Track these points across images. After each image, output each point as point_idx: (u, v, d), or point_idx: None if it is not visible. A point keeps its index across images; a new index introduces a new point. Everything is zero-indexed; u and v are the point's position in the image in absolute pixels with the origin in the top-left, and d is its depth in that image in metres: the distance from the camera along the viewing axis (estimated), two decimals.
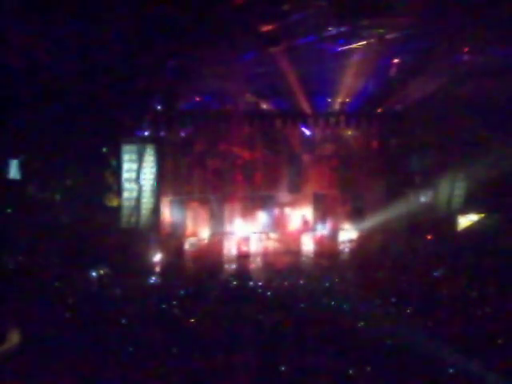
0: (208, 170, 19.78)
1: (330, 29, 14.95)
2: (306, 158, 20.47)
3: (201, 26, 13.73)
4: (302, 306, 14.18)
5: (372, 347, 11.54)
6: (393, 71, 18.22)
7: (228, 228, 19.79)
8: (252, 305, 14.07)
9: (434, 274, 17.30)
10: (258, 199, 20.25)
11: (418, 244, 19.44)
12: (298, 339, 11.91)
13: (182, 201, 19.46)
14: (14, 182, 17.96)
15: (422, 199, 20.43)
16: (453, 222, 20.38)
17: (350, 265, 19.20)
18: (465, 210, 20.41)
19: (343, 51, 17.03)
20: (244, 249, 19.64)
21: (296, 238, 20.13)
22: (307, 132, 20.25)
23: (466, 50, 17.08)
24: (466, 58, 17.46)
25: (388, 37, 15.68)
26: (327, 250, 19.95)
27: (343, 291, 15.64)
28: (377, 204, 20.01)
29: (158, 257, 18.49)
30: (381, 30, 15.28)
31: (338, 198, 20.61)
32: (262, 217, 20.18)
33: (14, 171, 17.96)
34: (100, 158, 18.41)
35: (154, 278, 17.09)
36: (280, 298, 14.92)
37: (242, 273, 17.96)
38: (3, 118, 16.51)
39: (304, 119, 19.89)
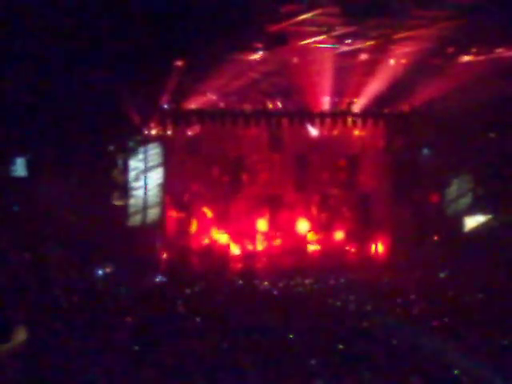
0: (215, 169, 19.79)
1: (337, 28, 14.91)
2: (312, 157, 20.44)
3: (208, 25, 13.72)
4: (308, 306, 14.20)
5: (376, 347, 11.54)
6: (400, 71, 18.17)
7: (234, 227, 19.79)
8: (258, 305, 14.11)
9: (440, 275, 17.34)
10: (264, 198, 20.24)
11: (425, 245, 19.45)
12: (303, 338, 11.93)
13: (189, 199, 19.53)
14: (20, 179, 18.00)
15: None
16: (459, 223, 20.35)
17: (356, 265, 19.25)
18: (471, 212, 20.37)
19: (350, 51, 17.00)
20: (250, 248, 19.66)
21: (302, 237, 20.14)
22: (314, 132, 20.22)
23: (474, 51, 17.04)
24: (473, 59, 17.43)
25: (396, 37, 15.65)
26: (332, 250, 19.99)
27: (348, 292, 15.65)
28: (384, 205, 20.03)
29: (164, 255, 18.53)
30: (389, 31, 15.24)
31: (345, 198, 20.63)
32: (268, 216, 20.16)
33: (20, 169, 18.00)
34: (107, 156, 18.43)
35: (160, 276, 17.12)
36: (286, 298, 14.98)
37: (248, 272, 18.00)
38: (9, 115, 16.52)
39: (311, 119, 19.87)
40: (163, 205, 18.72)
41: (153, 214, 18.61)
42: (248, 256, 19.37)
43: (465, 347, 11.35)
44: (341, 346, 11.56)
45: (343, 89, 19.04)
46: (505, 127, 19.34)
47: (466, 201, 20.32)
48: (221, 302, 14.69)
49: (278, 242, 20.01)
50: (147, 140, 18.50)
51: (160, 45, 14.79)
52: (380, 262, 19.70)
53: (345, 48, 16.75)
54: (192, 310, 13.86)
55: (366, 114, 19.79)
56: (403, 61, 17.78)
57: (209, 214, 19.74)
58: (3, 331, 9.39)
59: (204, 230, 19.64)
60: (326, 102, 19.57)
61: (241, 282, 16.96)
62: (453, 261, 17.96)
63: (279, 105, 19.71)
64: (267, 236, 19.91)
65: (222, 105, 19.37)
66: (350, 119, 19.84)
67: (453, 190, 20.21)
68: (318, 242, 20.11)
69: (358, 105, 19.63)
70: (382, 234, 20.09)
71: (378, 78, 18.23)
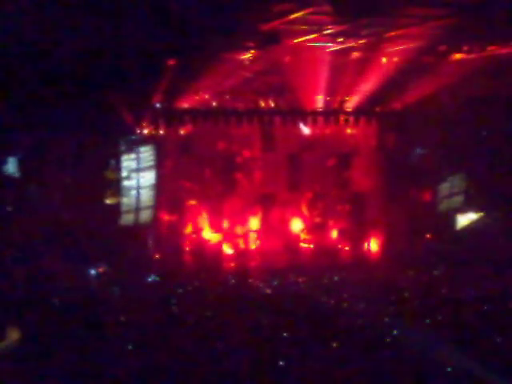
0: (207, 168, 19.76)
1: (329, 27, 14.91)
2: (305, 156, 20.43)
3: (201, 24, 13.71)
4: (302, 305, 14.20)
5: (371, 345, 11.55)
6: (392, 69, 18.19)
7: (227, 226, 19.78)
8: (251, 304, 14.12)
9: (434, 272, 17.37)
10: (256, 197, 20.22)
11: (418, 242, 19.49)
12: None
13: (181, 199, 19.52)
14: (13, 180, 17.95)
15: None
16: (452, 221, 20.40)
17: (349, 263, 19.27)
18: (464, 209, 20.42)
19: (343, 49, 17.01)
20: (243, 247, 19.65)
21: (296, 236, 20.15)
22: (306, 130, 20.23)
23: (466, 49, 17.07)
24: (465, 57, 17.48)
25: (388, 35, 15.66)
26: (325, 248, 20.01)
27: (343, 290, 15.66)
28: (377, 203, 20.05)
29: (156, 255, 18.51)
30: (381, 29, 15.26)
31: (338, 196, 20.64)
32: (261, 215, 20.16)
33: (12, 169, 17.95)
34: (99, 156, 18.39)
35: (152, 276, 17.10)
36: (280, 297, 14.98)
37: (241, 271, 17.99)
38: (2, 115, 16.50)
39: (303, 117, 19.86)
40: (156, 204, 18.67)
41: (146, 213, 18.57)
42: (241, 255, 19.36)
43: (460, 345, 11.40)
44: (335, 344, 11.60)
45: (335, 87, 19.05)
46: (497, 125, 19.38)
47: (458, 198, 20.36)
48: (214, 301, 14.68)
49: (271, 240, 19.99)
50: (140, 139, 18.46)
51: (152, 44, 14.77)
52: (373, 260, 19.71)
53: (337, 46, 16.76)
54: (185, 309, 13.87)
55: (358, 112, 19.80)
56: (395, 59, 17.81)
57: (202, 213, 19.71)
58: None
59: (197, 229, 19.62)
60: (318, 101, 19.58)
61: (234, 280, 16.96)
62: (446, 258, 17.99)
63: (272, 103, 19.71)
64: (260, 235, 19.89)
65: (214, 104, 19.36)
66: (342, 117, 19.84)
67: (446, 187, 20.24)
68: (311, 240, 20.10)
69: (350, 103, 19.65)
70: (375, 232, 20.11)
71: (371, 76, 18.26)
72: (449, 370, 10.59)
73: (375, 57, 17.63)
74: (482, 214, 20.35)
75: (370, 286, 15.89)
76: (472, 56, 17.34)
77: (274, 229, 20.19)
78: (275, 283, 16.51)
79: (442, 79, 17.85)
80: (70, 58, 15.29)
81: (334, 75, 18.23)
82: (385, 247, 19.73)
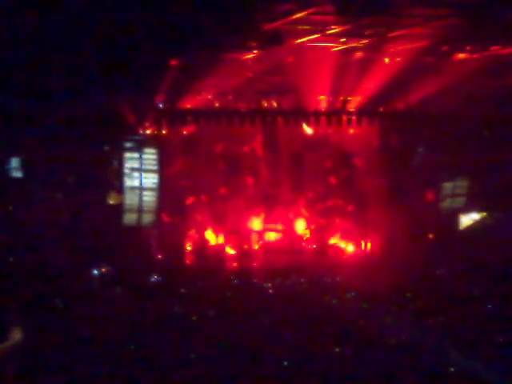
0: (210, 169, 19.77)
1: (332, 27, 14.91)
2: (307, 156, 20.44)
3: (203, 24, 13.71)
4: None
5: (373, 345, 11.54)
6: (395, 70, 18.18)
7: (229, 227, 19.79)
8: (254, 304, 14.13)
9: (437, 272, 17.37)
10: (259, 197, 20.23)
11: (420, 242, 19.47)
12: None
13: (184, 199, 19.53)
14: (15, 179, 17.96)
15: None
16: (455, 221, 20.38)
17: (352, 263, 19.27)
18: (467, 209, 20.40)
19: (345, 49, 17.01)
20: (245, 247, 19.65)
21: (298, 236, 20.15)
22: (309, 130, 20.24)
23: (467, 48, 17.06)
24: (468, 57, 17.47)
25: (390, 35, 15.65)
26: (328, 248, 20.02)
27: (343, 289, 15.66)
28: (379, 203, 20.04)
29: (159, 255, 18.50)
30: (383, 29, 15.24)
31: (341, 196, 20.64)
32: (264, 215, 20.16)
33: (15, 169, 17.96)
34: (102, 156, 18.40)
35: (155, 276, 17.11)
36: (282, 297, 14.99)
37: (243, 271, 18.00)
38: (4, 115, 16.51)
39: (306, 117, 19.86)
40: (159, 204, 18.67)
41: (148, 213, 18.57)
42: (243, 255, 19.37)
43: (462, 345, 11.39)
44: (337, 345, 11.59)
45: (338, 87, 19.05)
46: (500, 125, 19.37)
47: (461, 198, 20.33)
48: (216, 301, 14.68)
49: (273, 240, 20.01)
50: (142, 139, 18.48)
51: (155, 44, 14.77)
52: (376, 260, 19.70)
53: (340, 46, 16.76)
54: (188, 310, 13.87)
55: (361, 112, 19.80)
56: (398, 59, 17.80)
57: (205, 213, 19.72)
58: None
59: (199, 229, 19.62)
60: (321, 101, 19.59)
61: (236, 281, 16.97)
62: (449, 258, 17.98)
63: (274, 104, 19.71)
64: (262, 235, 19.90)
65: (217, 104, 19.37)
66: (345, 118, 19.84)
67: (448, 187, 20.22)
68: (313, 240, 20.10)
69: (353, 103, 19.64)
70: (378, 232, 20.09)
71: (373, 76, 18.24)
72: (452, 370, 10.60)
73: (378, 57, 17.63)
74: (484, 213, 20.33)
75: (372, 286, 15.88)
76: (475, 56, 17.33)
77: (277, 229, 20.21)
78: (278, 283, 16.52)
79: (445, 79, 17.83)
80: (72, 58, 15.29)
81: (337, 75, 18.22)
82: (388, 247, 19.71)
